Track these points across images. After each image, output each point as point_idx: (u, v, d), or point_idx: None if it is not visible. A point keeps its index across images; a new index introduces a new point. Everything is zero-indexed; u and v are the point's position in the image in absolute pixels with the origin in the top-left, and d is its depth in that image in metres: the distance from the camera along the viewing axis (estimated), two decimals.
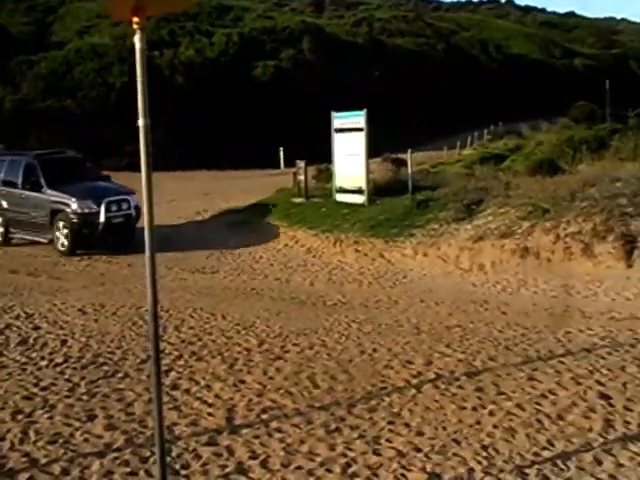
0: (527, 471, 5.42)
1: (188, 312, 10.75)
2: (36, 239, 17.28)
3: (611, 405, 6.66)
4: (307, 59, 58.43)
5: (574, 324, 9.75)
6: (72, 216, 16.27)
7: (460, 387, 7.23)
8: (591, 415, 6.44)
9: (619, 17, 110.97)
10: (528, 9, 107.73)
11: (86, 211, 16.43)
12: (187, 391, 7.22)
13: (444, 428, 6.21)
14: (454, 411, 6.59)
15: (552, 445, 5.88)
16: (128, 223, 16.94)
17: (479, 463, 5.55)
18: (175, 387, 7.31)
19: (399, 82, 56.83)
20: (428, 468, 5.46)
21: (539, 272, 12.96)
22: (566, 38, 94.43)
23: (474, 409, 6.65)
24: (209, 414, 6.58)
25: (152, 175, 4.16)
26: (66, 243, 16.29)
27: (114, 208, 16.76)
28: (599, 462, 5.56)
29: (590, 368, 7.67)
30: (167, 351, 8.49)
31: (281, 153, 37.19)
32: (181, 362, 8.18)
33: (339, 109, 19.76)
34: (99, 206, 16.43)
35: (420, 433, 6.11)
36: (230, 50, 54.78)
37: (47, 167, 17.33)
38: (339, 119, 19.34)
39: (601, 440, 5.94)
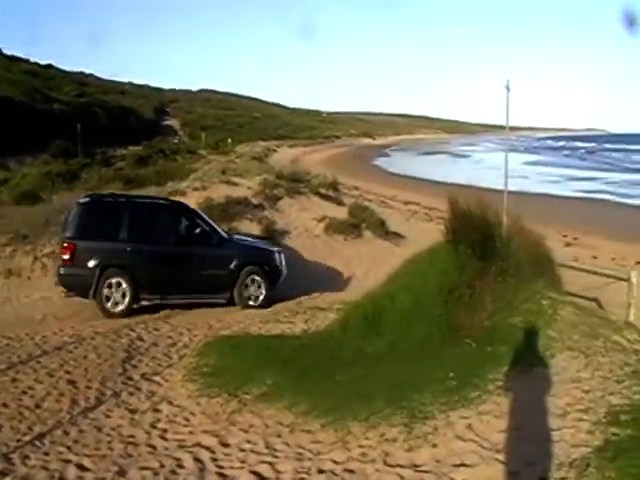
0: (12, 456, 5.49)
1: None
2: (206, 300, 11.45)
3: (76, 387, 7.07)
4: None
5: (48, 328, 9.92)
6: (270, 268, 11.95)
7: None
8: (61, 399, 6.76)
9: (88, 72, 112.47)
10: (14, 58, 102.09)
11: (277, 263, 12.20)
12: None
13: None
14: None
15: (31, 430, 6.02)
16: None
17: None
18: None
19: None
20: None
21: (22, 289, 12.68)
22: (46, 85, 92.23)
23: None
24: None
25: None
26: (261, 297, 11.68)
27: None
28: (67, 433, 5.91)
29: (61, 362, 7.96)
30: None
31: None
32: None
33: None
34: (280, 257, 12.41)
35: None
36: None
37: (201, 215, 12.28)
38: None
39: (68, 416, 6.31)
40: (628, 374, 6.28)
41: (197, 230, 11.63)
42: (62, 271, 10.99)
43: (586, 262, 16.86)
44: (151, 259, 11.29)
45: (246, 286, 11.67)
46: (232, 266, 11.58)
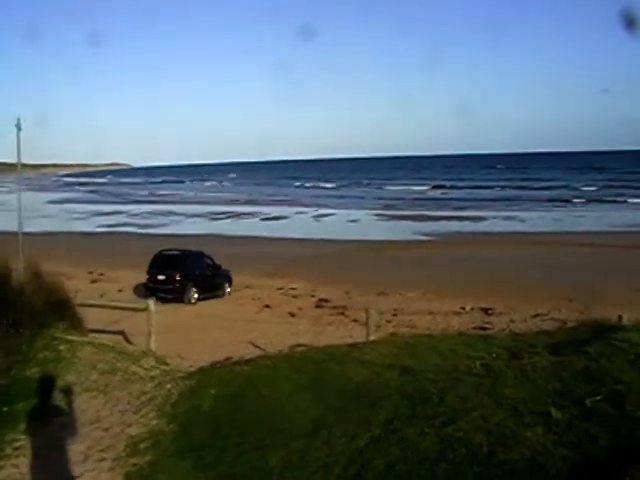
0: None
1: None
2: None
3: None
4: None
5: None
6: (230, 279, 22.22)
7: None
8: None
9: None
10: None
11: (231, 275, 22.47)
12: None
13: None
14: None
15: None
16: None
17: None
18: None
19: None
20: None
21: None
22: None
23: None
24: None
25: None
26: (227, 290, 22.02)
27: None
28: None
29: None
30: None
31: None
32: None
33: None
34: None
35: None
36: None
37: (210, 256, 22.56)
38: None
39: None
40: (145, 402, 6.67)
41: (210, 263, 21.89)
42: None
43: (112, 297, 17.35)
44: (202, 278, 20.92)
45: (224, 286, 21.84)
46: (224, 277, 21.87)
